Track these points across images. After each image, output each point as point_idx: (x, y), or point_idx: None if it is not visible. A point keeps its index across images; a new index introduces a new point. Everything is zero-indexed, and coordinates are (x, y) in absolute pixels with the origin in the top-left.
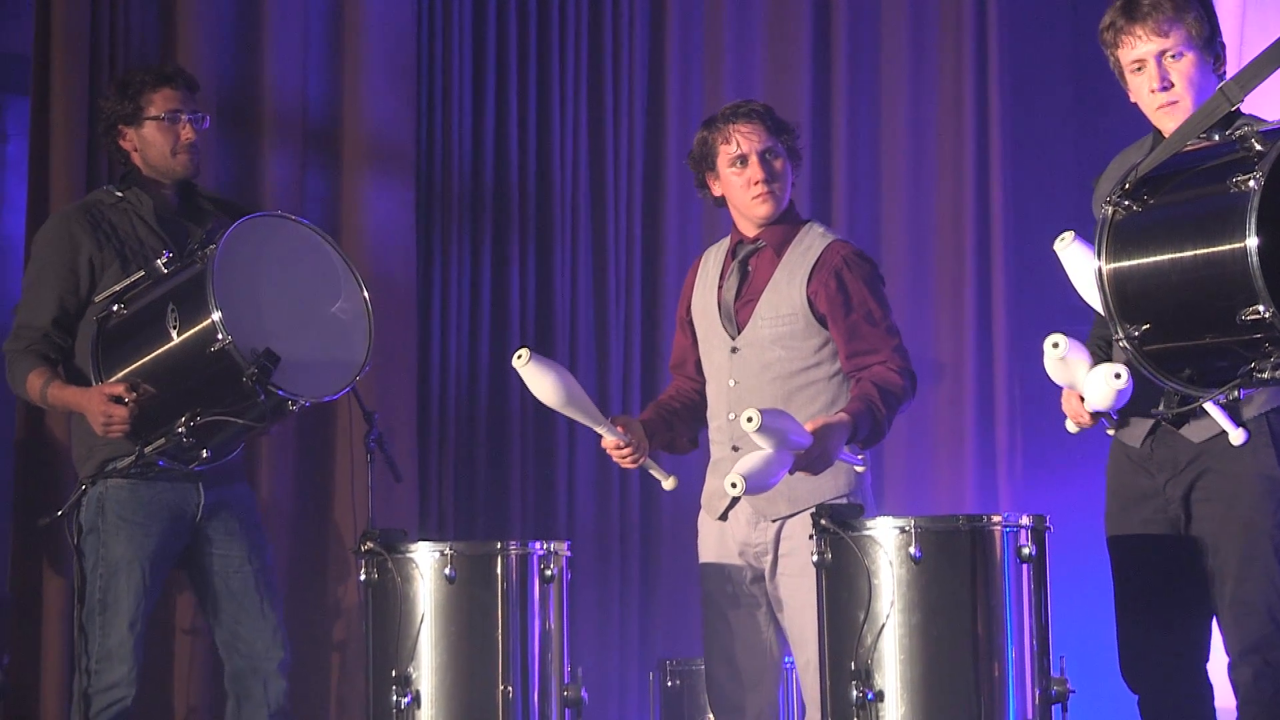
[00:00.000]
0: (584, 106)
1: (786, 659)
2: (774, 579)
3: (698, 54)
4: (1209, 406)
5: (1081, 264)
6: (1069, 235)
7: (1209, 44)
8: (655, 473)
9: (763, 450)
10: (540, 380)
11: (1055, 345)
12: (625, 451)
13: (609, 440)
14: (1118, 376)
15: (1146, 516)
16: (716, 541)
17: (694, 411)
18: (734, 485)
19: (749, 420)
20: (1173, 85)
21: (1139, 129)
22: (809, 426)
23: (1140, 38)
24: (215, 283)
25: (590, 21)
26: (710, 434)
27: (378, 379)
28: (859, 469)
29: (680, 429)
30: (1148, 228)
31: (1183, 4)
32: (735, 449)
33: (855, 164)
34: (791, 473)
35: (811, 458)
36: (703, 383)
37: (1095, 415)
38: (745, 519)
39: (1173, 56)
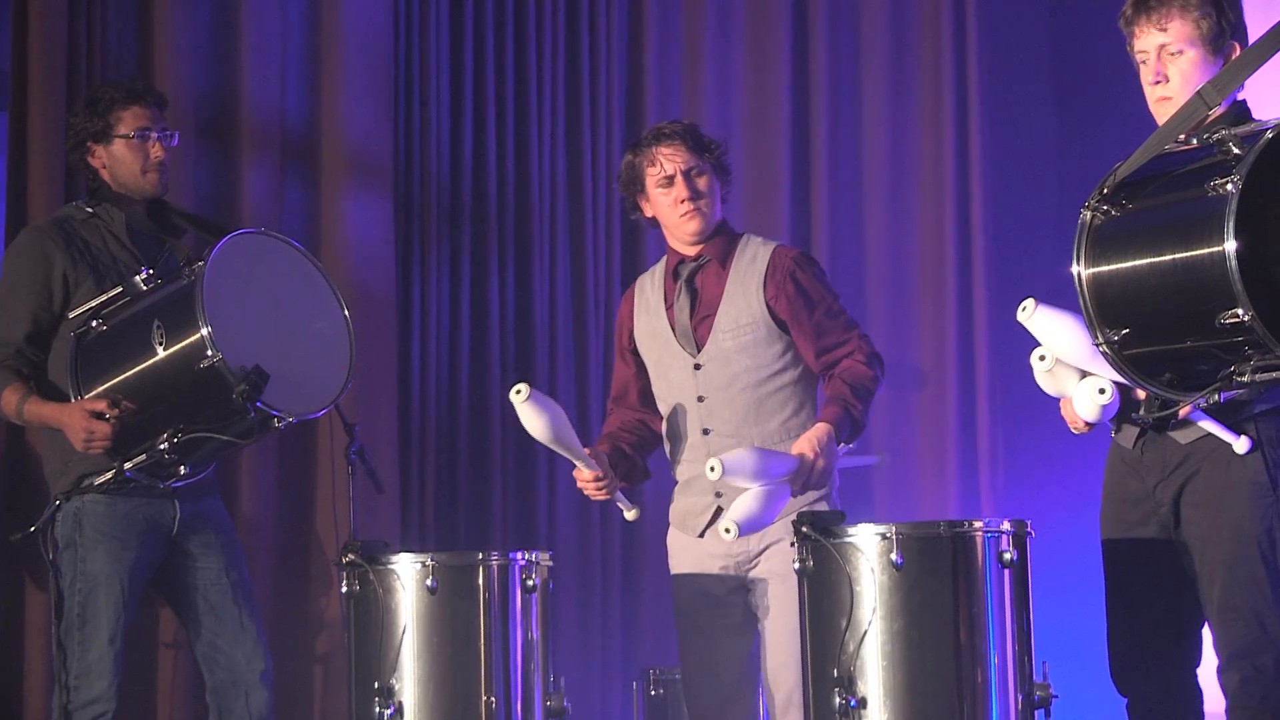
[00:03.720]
0: (562, 117)
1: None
2: (756, 584)
3: (676, 66)
4: (1206, 424)
5: (1049, 328)
6: (1030, 304)
7: (1215, 43)
8: (621, 504)
9: (752, 490)
10: (534, 418)
11: (1041, 359)
12: (603, 483)
13: (587, 474)
14: (1102, 392)
15: (1138, 519)
16: (692, 556)
17: (645, 443)
18: (728, 531)
19: (711, 470)
20: (1168, 81)
21: (1120, 134)
22: (795, 448)
23: (1144, 30)
24: (205, 298)
25: (567, 33)
26: (680, 454)
27: (359, 391)
28: (879, 462)
29: (636, 460)
30: (1126, 232)
31: (1189, 1)
32: (711, 469)
33: (836, 172)
34: (796, 494)
35: (806, 475)
36: (646, 414)
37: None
38: (756, 507)
39: (1172, 52)
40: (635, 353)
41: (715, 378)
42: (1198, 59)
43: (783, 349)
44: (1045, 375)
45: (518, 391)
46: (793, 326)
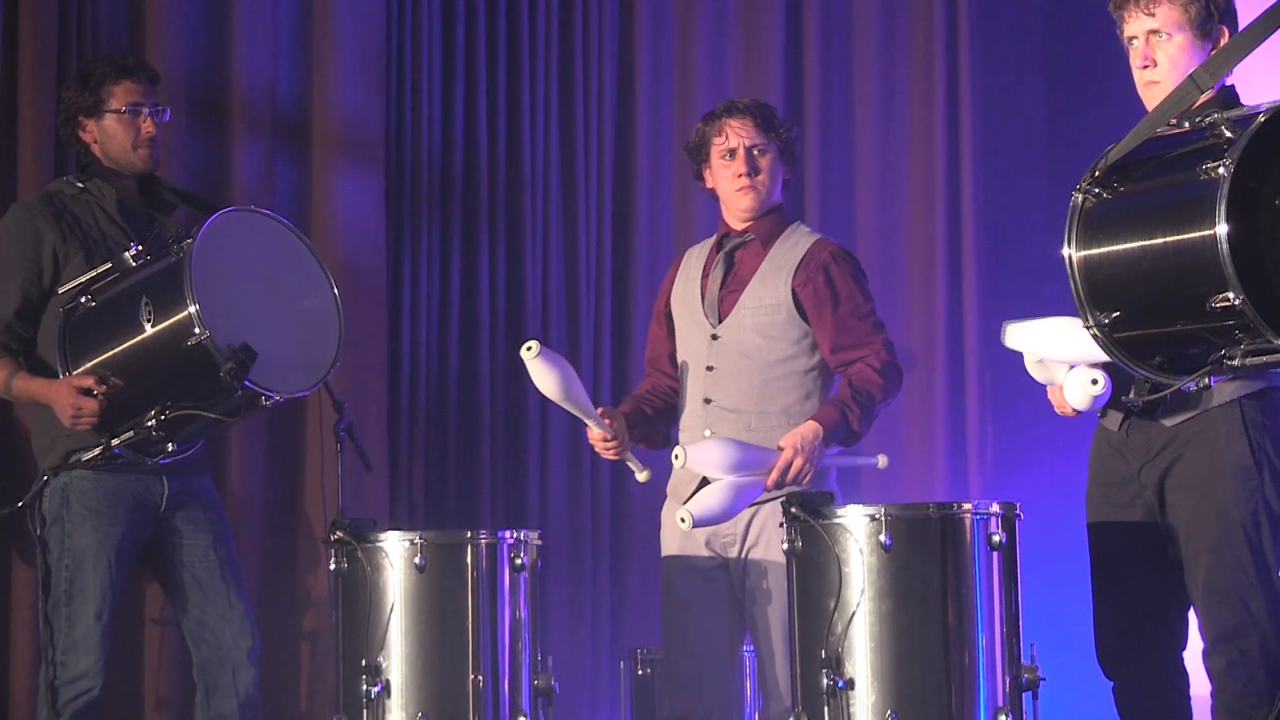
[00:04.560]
0: (555, 97)
1: (746, 648)
2: (743, 568)
3: (669, 45)
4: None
5: (1031, 340)
6: (1006, 328)
7: (1203, 28)
8: (633, 464)
9: (720, 481)
10: (544, 374)
11: (1010, 336)
12: (611, 444)
13: (596, 433)
14: (1094, 382)
15: (1123, 502)
16: (682, 531)
17: (670, 408)
18: (682, 520)
19: (675, 457)
20: (1155, 65)
21: (1110, 117)
22: (781, 441)
23: (1133, 15)
24: (193, 276)
25: (561, 12)
26: (681, 420)
27: (348, 369)
28: (880, 464)
29: (658, 424)
30: (1118, 215)
31: None
32: (676, 457)
33: (828, 156)
34: (768, 495)
35: (783, 471)
36: (676, 378)
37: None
38: (721, 500)
39: (1160, 36)
40: (670, 316)
41: (728, 351)
42: (1186, 44)
43: (800, 336)
44: (1035, 365)
45: (528, 348)
46: (813, 317)
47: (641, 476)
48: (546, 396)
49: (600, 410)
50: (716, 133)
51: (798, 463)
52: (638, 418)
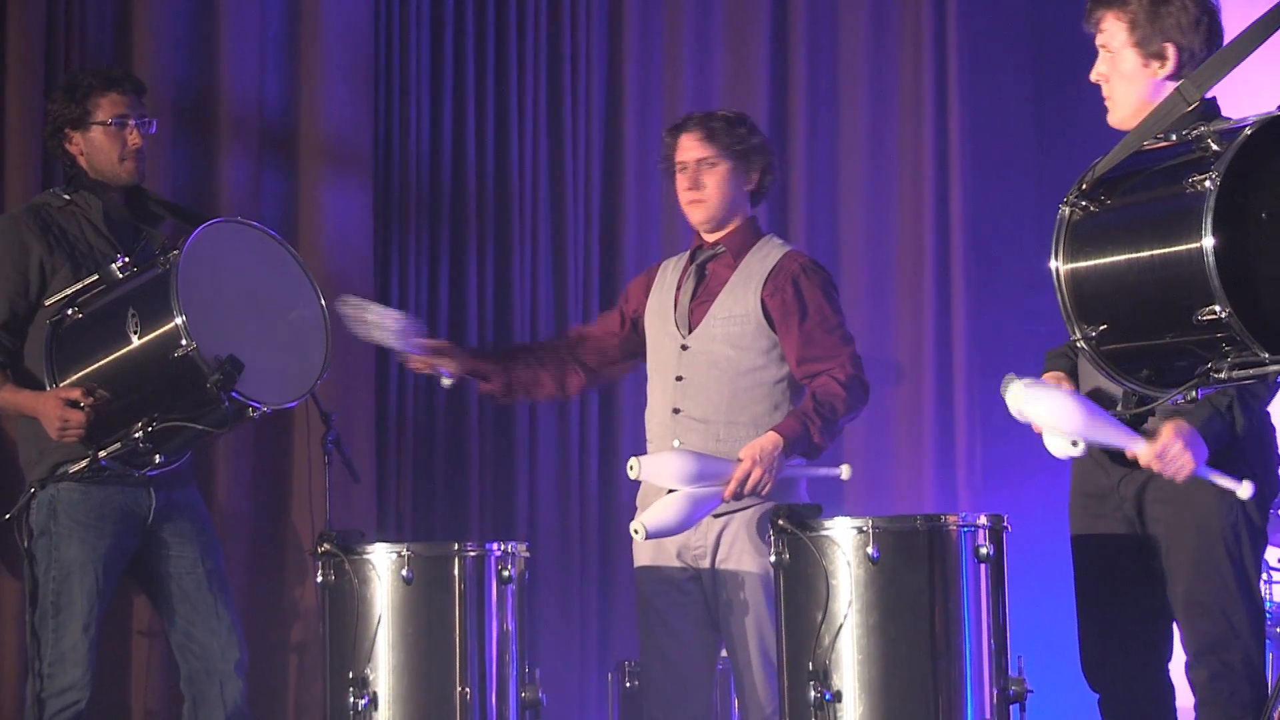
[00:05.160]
0: (543, 109)
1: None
2: (715, 579)
3: (657, 57)
4: (1213, 477)
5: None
6: (1012, 386)
7: (1153, 39)
8: (444, 377)
9: (676, 493)
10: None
11: (1013, 396)
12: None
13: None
14: (1075, 444)
15: (1103, 514)
16: (654, 544)
17: (536, 359)
18: (636, 531)
19: (630, 469)
20: (1106, 77)
21: (1098, 128)
22: (742, 452)
23: (1091, 26)
24: (179, 287)
25: (550, 24)
26: (650, 431)
27: (336, 380)
28: (842, 474)
29: (509, 369)
30: (1104, 228)
31: (1117, 6)
32: (630, 468)
33: (814, 167)
34: (728, 502)
35: (741, 483)
36: (578, 356)
37: None
38: (678, 511)
39: (1107, 49)
40: (624, 317)
41: (697, 361)
42: (1133, 57)
43: (769, 346)
44: (1016, 413)
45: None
46: (780, 328)
47: (445, 384)
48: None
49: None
50: (673, 147)
51: (756, 473)
52: (501, 354)
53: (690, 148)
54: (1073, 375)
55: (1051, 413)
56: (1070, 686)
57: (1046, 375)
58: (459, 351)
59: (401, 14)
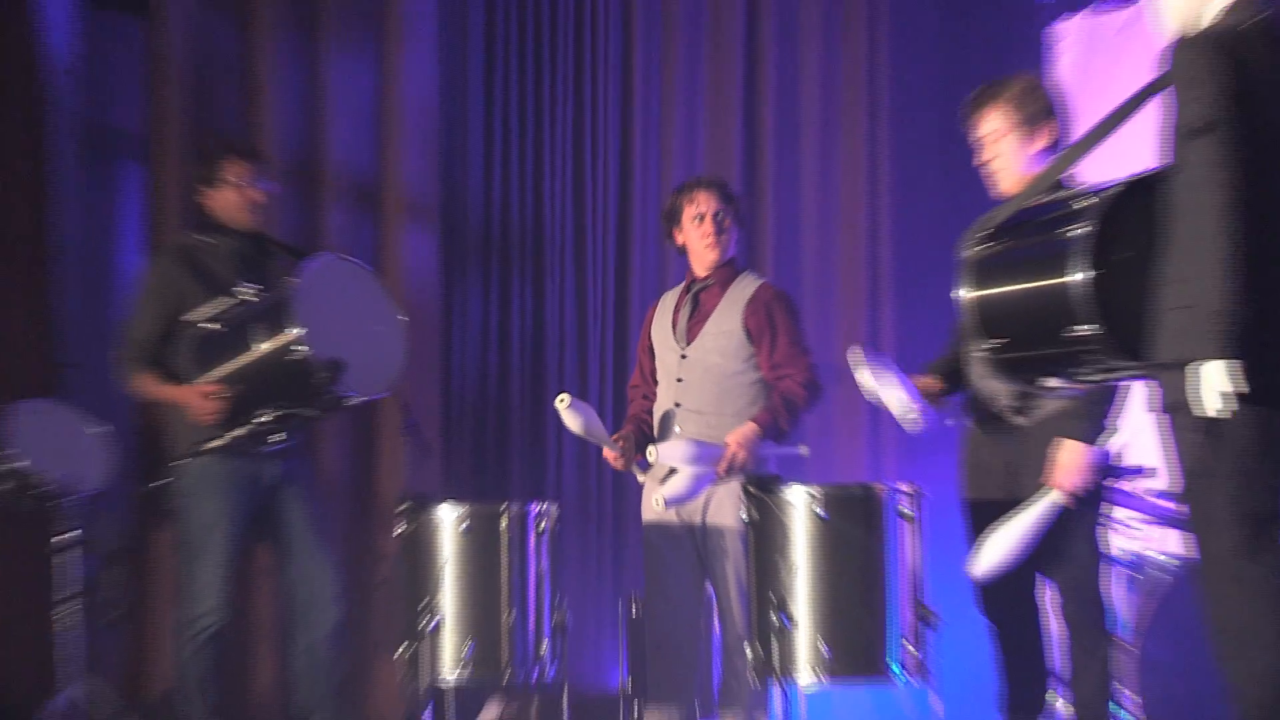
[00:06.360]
0: (569, 170)
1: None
2: (704, 533)
3: (654, 127)
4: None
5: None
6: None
7: (1027, 125)
8: (636, 470)
9: (684, 471)
10: (571, 419)
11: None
12: (620, 460)
13: (610, 453)
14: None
15: (984, 483)
16: (664, 496)
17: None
18: (657, 503)
19: (649, 454)
20: (991, 157)
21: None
22: (729, 438)
23: (973, 124)
24: (298, 306)
25: (574, 104)
26: (657, 419)
27: (411, 378)
28: (802, 452)
29: (650, 436)
30: (1000, 265)
31: (996, 101)
32: (649, 454)
33: (780, 212)
34: (721, 478)
35: (730, 463)
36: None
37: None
38: (684, 485)
39: (990, 135)
40: (651, 347)
41: (694, 367)
42: (1014, 140)
43: (749, 356)
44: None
45: (561, 400)
46: (757, 343)
47: (642, 478)
48: (573, 432)
49: (614, 436)
50: (689, 201)
51: (740, 455)
52: (638, 436)
53: (711, 202)
54: (947, 378)
55: (881, 387)
56: (967, 614)
57: (926, 378)
58: (633, 448)
59: (461, 96)
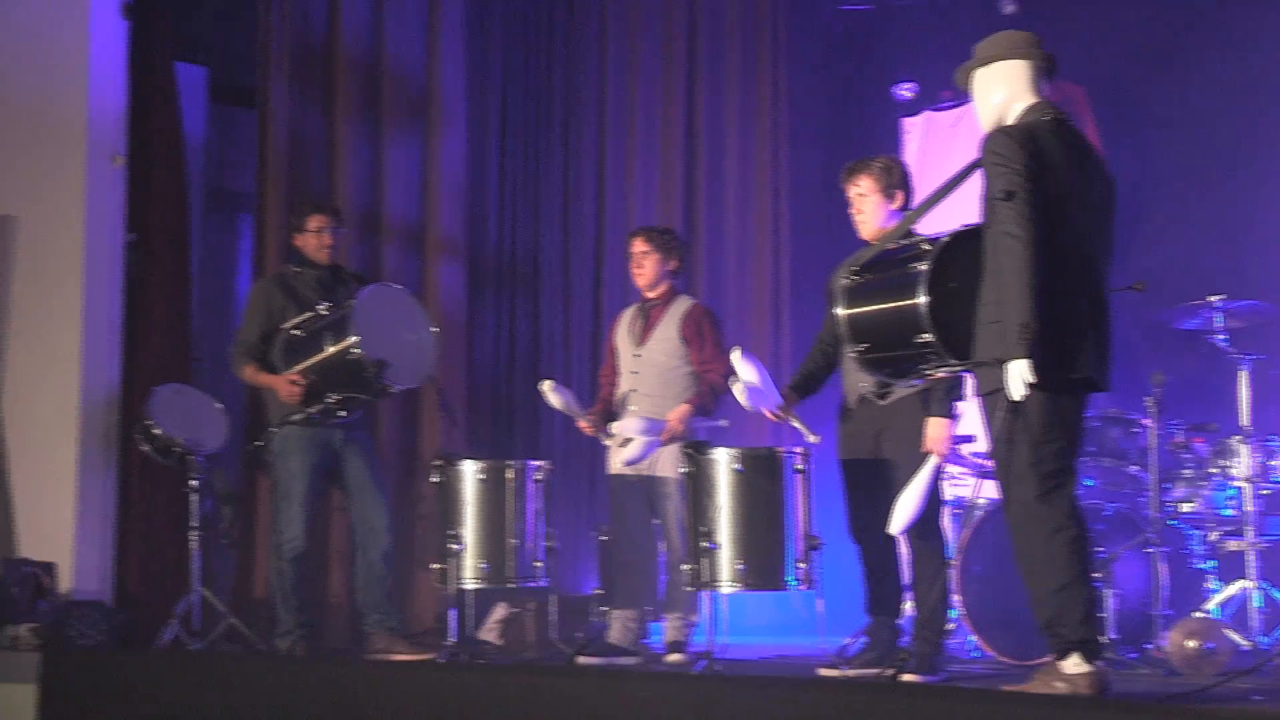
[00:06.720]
0: (558, 218)
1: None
2: (652, 483)
3: (618, 181)
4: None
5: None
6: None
7: (886, 190)
8: (603, 435)
9: (637, 440)
10: (554, 398)
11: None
12: (591, 431)
13: (583, 424)
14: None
15: (856, 447)
16: (618, 460)
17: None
18: (619, 462)
19: (612, 429)
20: (860, 211)
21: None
22: (670, 415)
23: (848, 185)
24: (355, 320)
25: (563, 168)
26: (617, 401)
27: (444, 371)
28: (724, 424)
29: (613, 413)
30: (867, 291)
31: (865, 172)
32: (612, 428)
33: (711, 242)
34: (664, 444)
35: (671, 434)
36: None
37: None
38: (638, 449)
39: (860, 195)
40: (614, 349)
41: (645, 363)
42: (877, 200)
43: (684, 355)
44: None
45: (545, 385)
46: (690, 347)
47: (608, 442)
48: (555, 408)
49: (587, 412)
50: (630, 244)
51: (678, 428)
52: (605, 412)
53: (637, 245)
54: (801, 386)
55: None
56: (845, 542)
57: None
58: (600, 421)
59: (481, 164)
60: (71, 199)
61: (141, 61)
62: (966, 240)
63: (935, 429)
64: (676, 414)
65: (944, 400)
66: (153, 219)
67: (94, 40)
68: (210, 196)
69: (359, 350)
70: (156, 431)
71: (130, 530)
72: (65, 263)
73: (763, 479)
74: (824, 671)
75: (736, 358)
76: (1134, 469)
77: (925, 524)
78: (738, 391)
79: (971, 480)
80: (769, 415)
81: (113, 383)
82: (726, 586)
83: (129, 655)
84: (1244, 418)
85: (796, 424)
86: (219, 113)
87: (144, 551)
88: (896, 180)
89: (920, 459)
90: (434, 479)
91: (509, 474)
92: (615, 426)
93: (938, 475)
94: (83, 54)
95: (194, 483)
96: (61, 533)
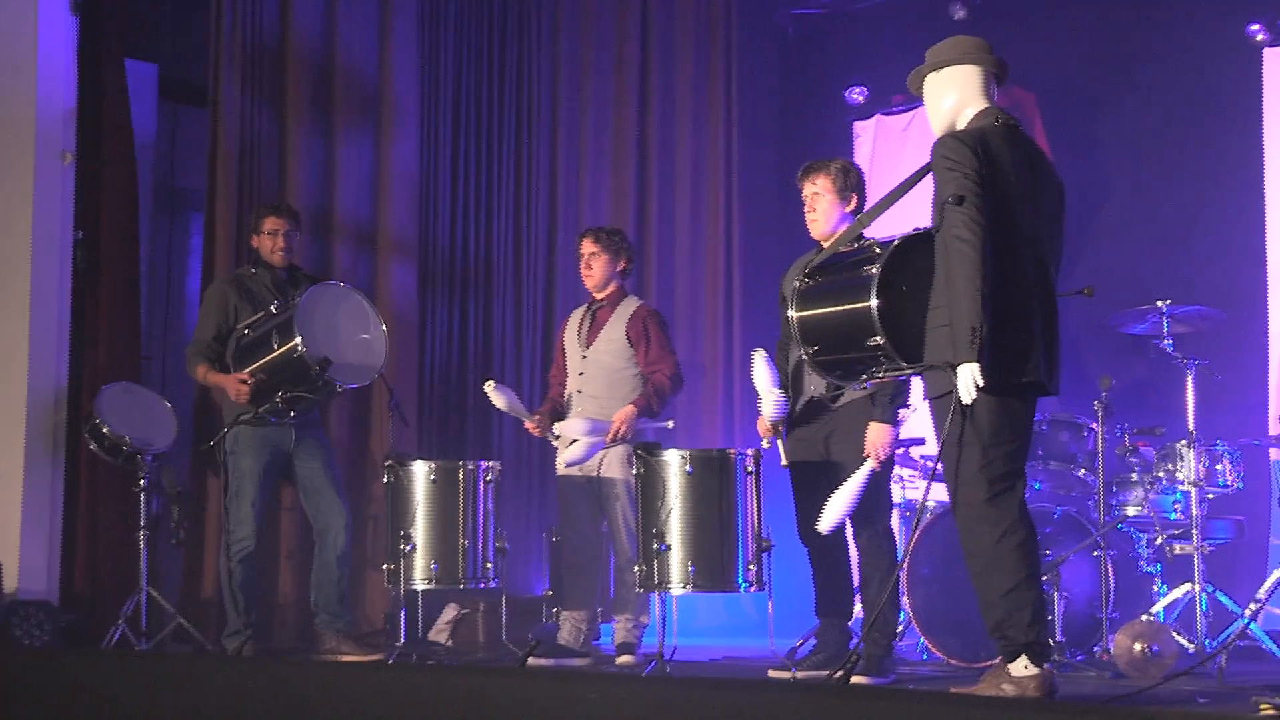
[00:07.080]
0: (511, 218)
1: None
2: (600, 484)
3: (573, 180)
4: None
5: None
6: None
7: (842, 194)
8: (549, 436)
9: (581, 440)
10: (497, 398)
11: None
12: (536, 430)
13: (529, 424)
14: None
15: (806, 450)
16: (565, 460)
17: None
18: (563, 464)
19: (554, 429)
20: (814, 211)
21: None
22: (615, 416)
23: (803, 183)
24: (299, 319)
25: (514, 168)
26: (563, 399)
27: (395, 371)
28: (669, 425)
29: (562, 412)
30: (819, 294)
31: (822, 172)
32: (555, 428)
33: (661, 243)
34: (609, 445)
35: (615, 434)
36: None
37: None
38: (582, 450)
39: (815, 195)
40: (564, 349)
41: (592, 364)
42: (832, 200)
43: (630, 356)
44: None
45: (488, 384)
46: (636, 348)
47: (554, 441)
48: (499, 409)
49: (535, 413)
50: (579, 245)
51: (623, 429)
52: (555, 412)
53: (585, 246)
54: (788, 383)
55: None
56: (794, 543)
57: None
58: (548, 422)
59: (432, 164)
60: (19, 196)
61: (91, 58)
62: (918, 244)
63: (875, 434)
64: (621, 415)
65: (887, 406)
66: (102, 217)
67: (42, 36)
68: (160, 194)
69: (303, 349)
70: (105, 430)
71: (77, 530)
72: (13, 260)
73: (714, 481)
74: (774, 673)
75: (760, 360)
76: (1082, 472)
77: (874, 526)
78: (769, 403)
79: (921, 483)
80: (764, 431)
81: (60, 381)
82: (677, 588)
83: (75, 656)
84: (1190, 422)
85: (781, 445)
86: (169, 110)
87: (91, 551)
88: (853, 183)
89: (863, 459)
90: (385, 479)
91: (460, 474)
92: (559, 427)
93: (880, 478)
94: (31, 50)
95: (142, 482)
96: (7, 532)
